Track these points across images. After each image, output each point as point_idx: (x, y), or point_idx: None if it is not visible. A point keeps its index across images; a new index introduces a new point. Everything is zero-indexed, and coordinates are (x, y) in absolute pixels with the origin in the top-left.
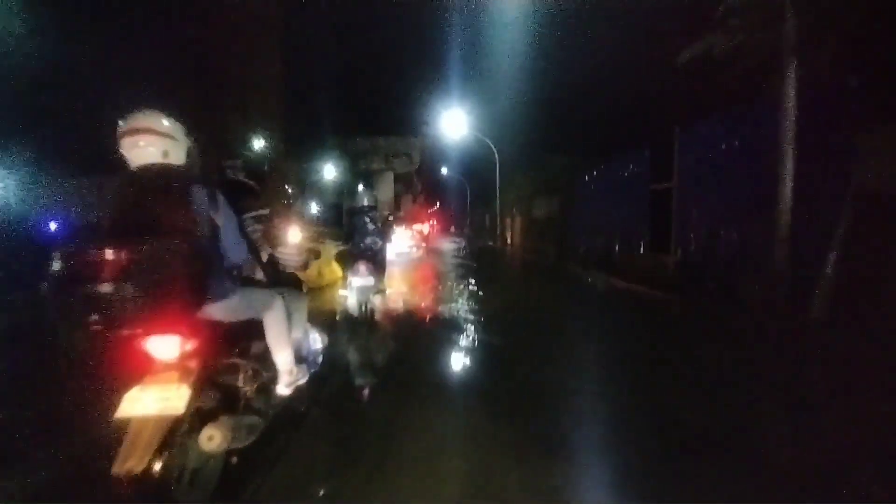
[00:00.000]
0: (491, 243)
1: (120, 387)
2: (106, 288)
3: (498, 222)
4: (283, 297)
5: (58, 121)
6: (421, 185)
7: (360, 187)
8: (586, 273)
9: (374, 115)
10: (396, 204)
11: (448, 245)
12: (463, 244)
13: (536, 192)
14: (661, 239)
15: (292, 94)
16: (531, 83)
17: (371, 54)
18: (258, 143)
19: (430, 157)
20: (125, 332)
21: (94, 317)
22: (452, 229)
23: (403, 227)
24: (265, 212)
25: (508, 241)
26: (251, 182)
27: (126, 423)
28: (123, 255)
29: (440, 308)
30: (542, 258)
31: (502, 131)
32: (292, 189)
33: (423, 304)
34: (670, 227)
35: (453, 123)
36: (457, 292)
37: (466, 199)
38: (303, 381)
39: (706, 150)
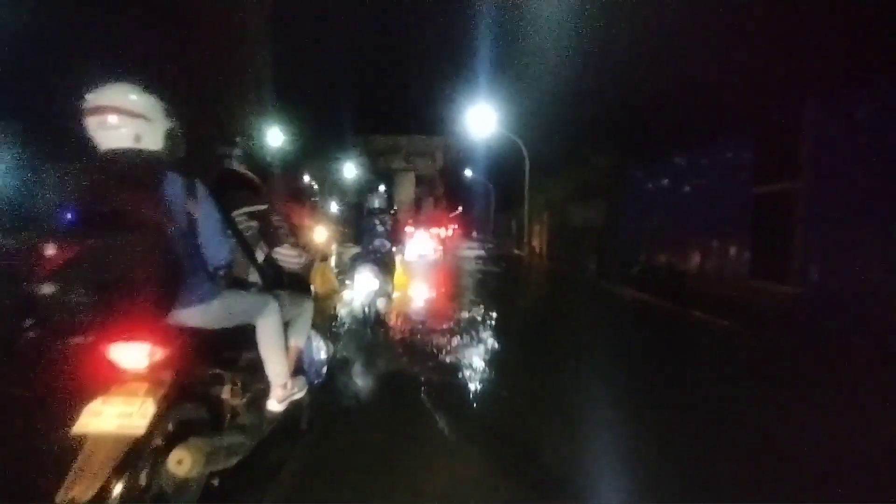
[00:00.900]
0: (517, 251)
1: (83, 398)
2: (47, 288)
3: (525, 229)
4: (279, 302)
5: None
6: (444, 188)
7: (376, 188)
8: (642, 297)
9: (396, 112)
10: (417, 205)
11: (468, 251)
12: (485, 250)
13: (572, 197)
14: (769, 260)
15: (311, 87)
16: (568, 71)
17: (395, 47)
18: (268, 134)
19: (455, 158)
20: (75, 340)
21: (29, 321)
22: (475, 234)
23: (423, 229)
24: (262, 207)
25: (537, 249)
26: (250, 174)
27: (82, 439)
28: (70, 250)
29: (446, 325)
30: (578, 272)
31: (533, 129)
32: (316, 185)
33: (429, 314)
34: (784, 243)
35: (480, 120)
36: (469, 309)
37: (491, 203)
38: (299, 395)
39: (864, 132)
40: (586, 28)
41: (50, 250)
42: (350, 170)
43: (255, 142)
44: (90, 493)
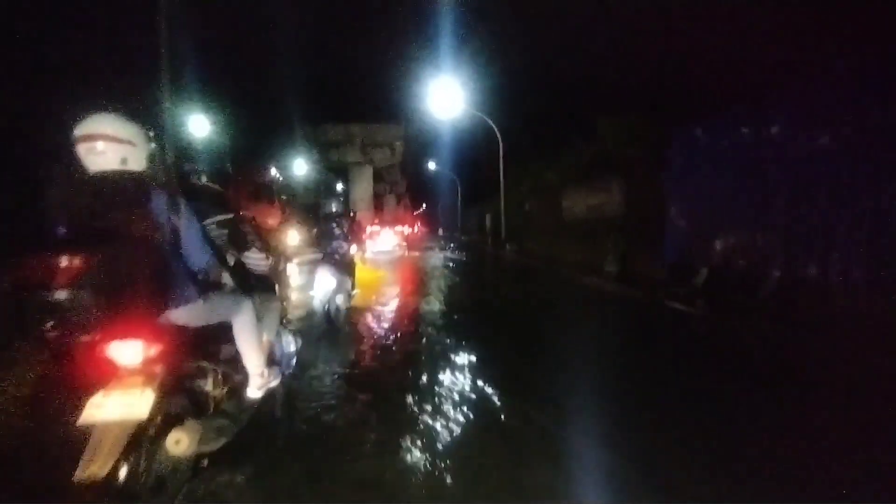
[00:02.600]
0: (493, 248)
1: (84, 393)
2: (61, 295)
3: (503, 223)
4: (252, 301)
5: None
6: (406, 183)
7: (333, 189)
8: (737, 324)
9: (347, 97)
10: (377, 203)
11: (432, 250)
12: (451, 250)
13: (568, 181)
14: None
15: (249, 76)
16: (552, 23)
17: (345, 23)
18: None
19: (416, 149)
20: (84, 339)
21: (49, 324)
22: (441, 231)
23: (385, 227)
24: (229, 216)
25: (515, 247)
26: (215, 187)
27: (89, 429)
28: (78, 261)
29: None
30: (585, 275)
31: (507, 106)
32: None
33: (387, 307)
34: None
35: (443, 100)
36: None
37: (457, 198)
38: (274, 383)
39: None
40: None
41: (62, 262)
42: (300, 166)
43: (211, 153)
44: (104, 472)
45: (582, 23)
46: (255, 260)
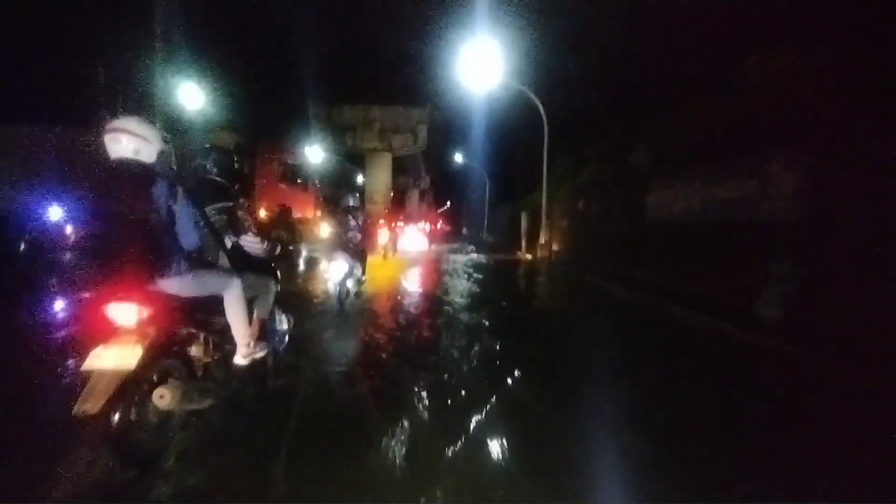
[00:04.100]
0: (530, 257)
1: (90, 346)
2: (67, 256)
3: (544, 226)
4: (244, 280)
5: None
6: (430, 178)
7: (353, 182)
8: None
9: (365, 74)
10: (399, 198)
11: (457, 253)
12: (476, 251)
13: (668, 162)
14: None
15: (258, 50)
16: None
17: None
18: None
19: (441, 137)
20: (84, 296)
21: (55, 280)
22: (465, 231)
23: (410, 225)
24: (230, 204)
25: (563, 256)
26: (220, 180)
27: (88, 374)
28: (85, 231)
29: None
30: (717, 320)
31: (559, 76)
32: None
33: (394, 293)
34: None
35: (478, 67)
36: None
37: (486, 196)
38: (260, 355)
39: None
40: None
41: (69, 230)
42: (316, 154)
43: (220, 144)
44: (97, 408)
45: None
46: (251, 243)
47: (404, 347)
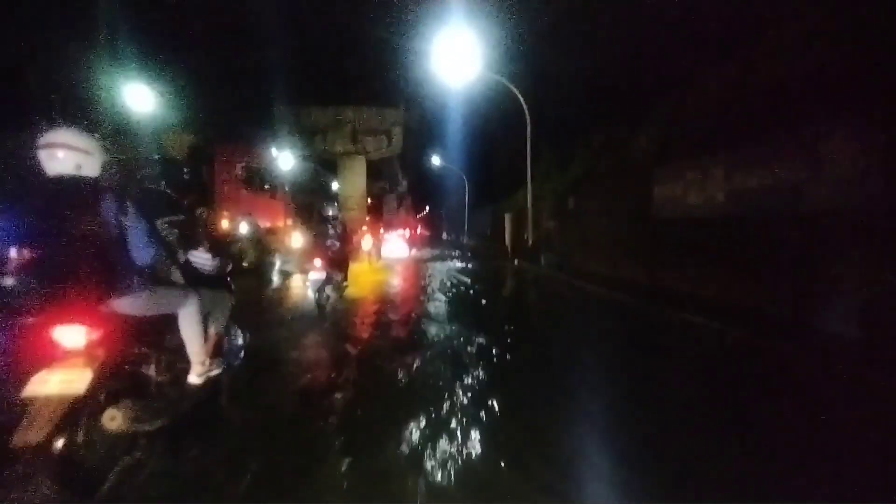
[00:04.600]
0: (517, 262)
1: (30, 371)
2: (8, 281)
3: (530, 227)
4: (197, 296)
5: None
6: (407, 182)
7: (329, 190)
8: None
9: (335, 73)
10: (375, 204)
11: (442, 261)
12: (460, 258)
13: (678, 149)
14: None
15: (219, 47)
16: None
17: None
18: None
19: (417, 138)
20: (29, 321)
21: None
22: (445, 236)
23: (392, 232)
24: (180, 217)
25: (555, 261)
26: (167, 190)
27: (31, 401)
28: (27, 253)
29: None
30: (762, 336)
31: (542, 66)
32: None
33: (371, 298)
34: None
35: (454, 57)
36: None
37: (465, 198)
38: (215, 372)
39: None
40: None
41: (12, 253)
42: (285, 159)
43: (173, 153)
44: (40, 438)
45: None
46: (202, 260)
47: (379, 355)
